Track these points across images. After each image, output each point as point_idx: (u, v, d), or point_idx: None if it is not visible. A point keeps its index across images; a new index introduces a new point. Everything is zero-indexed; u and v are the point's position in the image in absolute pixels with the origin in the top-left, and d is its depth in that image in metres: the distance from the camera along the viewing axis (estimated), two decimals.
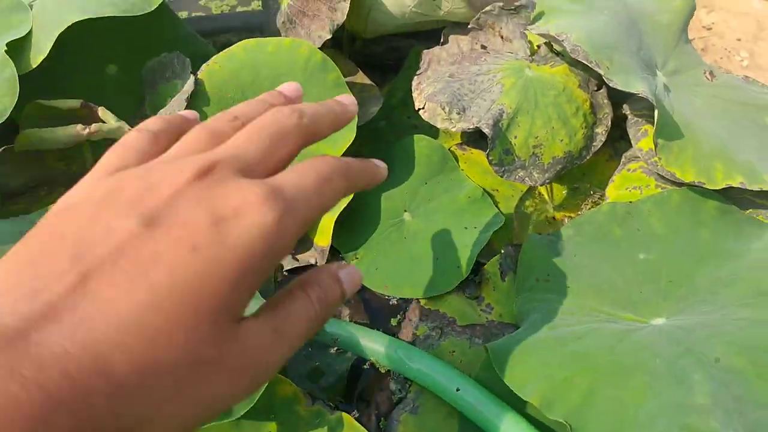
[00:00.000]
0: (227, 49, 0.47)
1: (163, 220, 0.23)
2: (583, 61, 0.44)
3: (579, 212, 0.51)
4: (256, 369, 0.24)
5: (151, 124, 0.29)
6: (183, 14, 0.74)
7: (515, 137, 0.47)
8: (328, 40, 0.51)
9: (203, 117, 0.46)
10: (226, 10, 0.73)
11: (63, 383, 0.19)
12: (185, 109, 0.45)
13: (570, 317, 0.41)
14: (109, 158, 0.27)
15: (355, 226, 0.49)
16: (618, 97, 0.54)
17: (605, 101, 0.50)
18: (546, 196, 0.52)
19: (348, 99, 0.33)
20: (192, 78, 0.45)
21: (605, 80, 0.44)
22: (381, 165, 0.32)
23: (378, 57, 0.61)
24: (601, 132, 0.49)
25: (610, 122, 0.50)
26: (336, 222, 0.46)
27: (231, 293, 0.23)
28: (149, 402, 0.21)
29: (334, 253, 0.48)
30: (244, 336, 0.24)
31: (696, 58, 0.55)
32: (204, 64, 0.47)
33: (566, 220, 0.51)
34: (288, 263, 0.46)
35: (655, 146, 0.45)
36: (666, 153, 0.45)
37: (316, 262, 0.47)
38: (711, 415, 0.31)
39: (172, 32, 0.53)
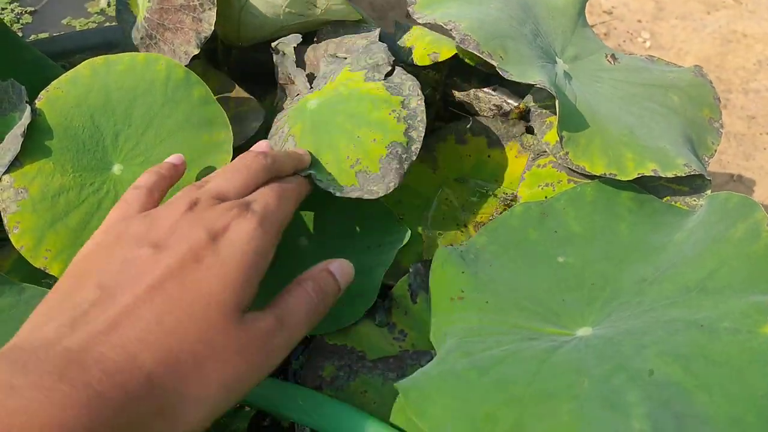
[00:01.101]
0: (71, 70, 0.41)
1: (168, 244, 0.30)
2: (474, 52, 0.40)
3: (491, 217, 0.47)
4: (265, 353, 0.30)
5: (143, 180, 0.36)
6: (44, 35, 0.66)
7: (327, 164, 0.41)
8: (197, 53, 0.45)
9: (48, 151, 0.39)
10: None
11: (104, 379, 0.24)
12: (21, 143, 0.38)
13: (488, 338, 0.36)
14: (113, 214, 0.34)
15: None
16: (520, 88, 0.51)
17: (402, 78, 0.43)
18: (455, 203, 0.48)
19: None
20: (28, 108, 0.39)
21: (499, 71, 0.40)
22: (301, 151, 0.40)
23: (261, 66, 0.55)
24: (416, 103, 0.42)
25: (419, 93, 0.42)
26: None
27: (233, 289, 0.29)
28: (177, 387, 0.26)
29: None
30: (251, 324, 0.29)
31: (597, 43, 0.52)
32: (43, 91, 0.40)
33: (479, 226, 0.47)
34: None
35: (561, 140, 0.42)
36: (573, 146, 0.42)
37: None
38: None
39: (12, 57, 0.46)
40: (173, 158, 0.39)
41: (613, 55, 0.51)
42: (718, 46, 1.27)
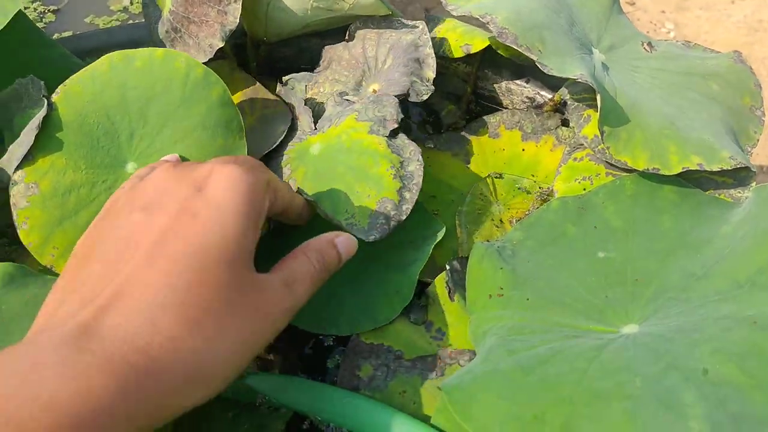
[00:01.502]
0: (90, 65, 0.40)
1: (157, 205, 0.29)
2: (512, 46, 0.39)
3: (527, 212, 0.46)
4: (275, 314, 0.30)
5: (139, 171, 0.36)
6: (67, 33, 0.66)
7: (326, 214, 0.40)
8: (224, 48, 0.45)
9: (61, 146, 0.39)
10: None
11: (124, 346, 0.24)
12: (36, 137, 0.38)
13: (531, 337, 0.35)
14: (108, 201, 0.34)
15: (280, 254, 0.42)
16: (553, 80, 0.50)
17: (405, 142, 0.42)
18: (490, 197, 0.47)
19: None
20: (45, 102, 0.38)
21: (539, 66, 0.39)
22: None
23: (289, 61, 0.54)
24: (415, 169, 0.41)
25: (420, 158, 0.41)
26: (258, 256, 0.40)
27: (234, 238, 0.28)
28: (199, 346, 0.26)
29: None
30: (261, 285, 0.30)
31: (632, 30, 0.51)
32: (60, 86, 0.39)
33: (514, 221, 0.46)
34: None
35: (601, 135, 0.40)
36: (614, 140, 0.41)
37: None
38: None
39: (39, 55, 0.45)
40: (169, 157, 0.39)
41: (649, 43, 0.49)
42: (744, 35, 1.25)
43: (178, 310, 0.26)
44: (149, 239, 0.28)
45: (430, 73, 0.46)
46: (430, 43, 0.46)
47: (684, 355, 0.31)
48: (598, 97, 0.39)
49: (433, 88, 0.44)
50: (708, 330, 0.32)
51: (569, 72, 0.39)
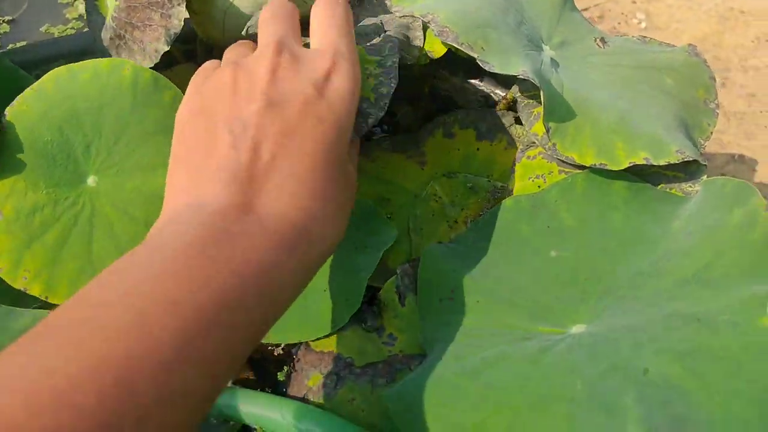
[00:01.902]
0: (36, 83, 0.39)
1: (282, 101, 0.31)
2: (453, 44, 0.39)
3: (482, 212, 0.46)
4: (354, 191, 0.35)
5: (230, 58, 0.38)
6: (22, 44, 0.65)
7: None
8: (172, 53, 0.44)
9: (18, 168, 0.38)
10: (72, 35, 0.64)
11: (279, 222, 0.29)
12: None
13: (479, 341, 0.35)
14: (198, 74, 0.37)
15: None
16: (507, 79, 0.49)
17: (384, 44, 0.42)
18: (445, 198, 0.47)
19: None
20: None
21: (479, 63, 0.38)
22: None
23: None
24: None
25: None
26: None
27: (345, 139, 0.33)
28: (327, 222, 0.31)
29: None
30: (351, 173, 0.35)
31: (586, 27, 0.51)
32: (8, 107, 0.39)
33: (469, 222, 0.46)
34: None
35: (547, 131, 0.40)
36: (560, 136, 0.40)
37: None
38: None
39: None
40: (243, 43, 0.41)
41: (602, 39, 0.49)
42: (715, 24, 1.25)
43: (314, 205, 0.30)
44: (280, 132, 0.31)
45: (417, 51, 0.45)
46: (421, 27, 0.45)
47: (627, 356, 0.30)
48: (542, 93, 0.39)
49: (415, 61, 0.44)
50: (653, 329, 0.32)
51: (512, 69, 0.38)
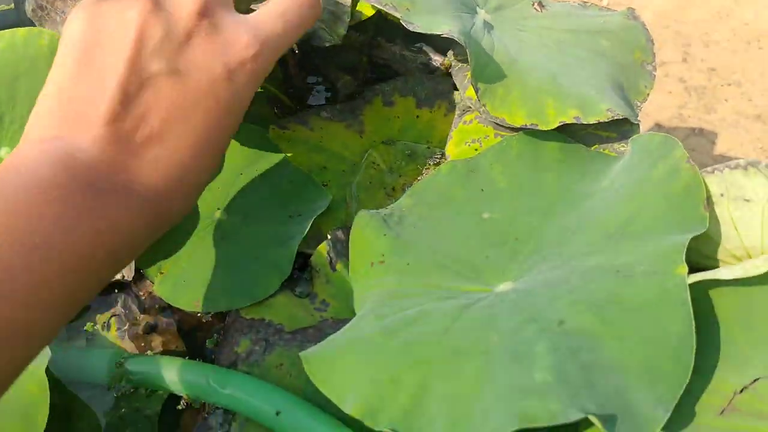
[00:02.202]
0: None
1: (188, 69, 0.30)
2: (376, 5, 0.38)
3: (420, 179, 0.46)
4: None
5: None
6: None
7: None
8: None
9: None
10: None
11: (147, 193, 0.29)
12: None
13: (404, 301, 0.35)
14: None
15: (169, 242, 0.41)
16: (445, 45, 0.49)
17: None
18: (383, 166, 0.46)
19: None
20: None
21: (403, 24, 0.38)
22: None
23: None
24: None
25: None
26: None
27: (236, 129, 0.33)
28: (188, 201, 0.32)
29: (136, 270, 0.40)
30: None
31: None
32: None
33: (407, 189, 0.45)
34: None
35: (476, 92, 0.40)
36: (490, 97, 0.40)
37: (123, 277, 0.39)
38: (551, 395, 0.25)
39: None
40: None
41: (540, 2, 0.49)
42: None
43: (188, 180, 0.31)
44: (174, 102, 0.30)
45: (342, 30, 0.45)
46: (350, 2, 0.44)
47: (544, 308, 0.30)
48: (468, 53, 0.38)
49: (338, 41, 0.43)
50: (572, 282, 0.32)
51: (436, 29, 0.38)
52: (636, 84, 0.45)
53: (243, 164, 0.44)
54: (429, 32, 0.38)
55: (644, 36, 0.48)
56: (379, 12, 0.48)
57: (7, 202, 0.24)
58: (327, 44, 0.43)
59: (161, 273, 0.39)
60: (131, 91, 0.29)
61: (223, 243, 0.40)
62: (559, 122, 0.39)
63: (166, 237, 0.40)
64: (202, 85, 0.30)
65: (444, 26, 0.38)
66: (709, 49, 1.19)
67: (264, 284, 0.38)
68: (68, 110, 0.29)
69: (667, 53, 1.08)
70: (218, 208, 0.42)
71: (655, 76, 0.47)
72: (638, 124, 0.42)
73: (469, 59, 0.38)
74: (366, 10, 0.48)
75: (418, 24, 0.38)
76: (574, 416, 0.24)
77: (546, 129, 0.39)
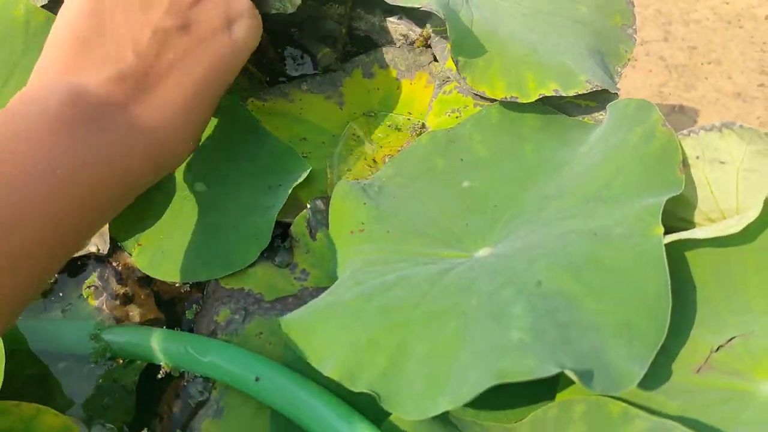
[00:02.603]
0: None
1: (194, 24, 0.33)
2: None
3: (400, 149, 0.45)
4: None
5: None
6: None
7: None
8: None
9: None
10: None
11: (149, 135, 0.32)
12: None
13: (383, 267, 0.35)
14: None
15: (137, 208, 0.40)
16: (425, 16, 0.48)
17: None
18: (363, 137, 0.46)
19: None
20: None
21: None
22: None
23: None
24: None
25: None
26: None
27: (231, 81, 0.36)
28: (187, 143, 0.35)
29: (112, 243, 0.39)
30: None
31: None
32: None
33: (387, 159, 0.45)
34: None
35: (456, 65, 0.39)
36: (470, 71, 0.40)
37: (98, 250, 0.39)
38: (528, 352, 0.26)
39: None
40: None
41: None
42: None
43: (188, 126, 0.33)
44: (181, 52, 0.32)
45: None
46: None
47: (522, 271, 0.30)
48: (448, 26, 0.38)
49: (293, 9, 0.43)
50: (549, 245, 0.32)
51: (415, 1, 0.38)
52: (616, 49, 0.45)
53: (221, 136, 0.44)
54: (408, 5, 0.38)
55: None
56: None
57: (17, 130, 0.26)
58: (274, 11, 0.42)
59: (139, 245, 0.39)
60: (144, 40, 0.31)
61: (202, 213, 0.40)
62: (539, 95, 0.39)
63: (144, 207, 0.40)
64: (206, 35, 0.33)
65: None
66: (689, 28, 1.20)
67: (243, 253, 0.38)
68: (79, 51, 0.31)
69: (648, 32, 1.08)
70: (197, 181, 0.41)
71: (635, 39, 0.47)
72: (617, 93, 0.42)
73: (448, 32, 0.38)
74: None
75: None
76: (551, 371, 0.24)
77: (526, 102, 0.39)
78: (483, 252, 0.34)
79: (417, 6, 0.38)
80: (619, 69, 0.45)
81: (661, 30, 1.12)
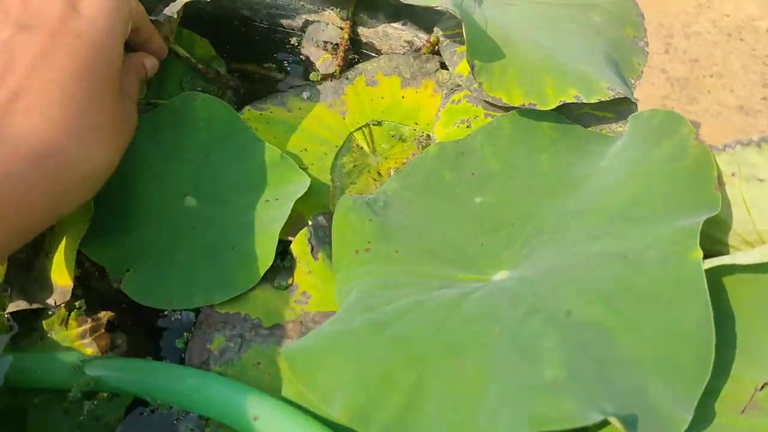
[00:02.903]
0: None
1: (35, 23, 0.30)
2: None
3: (406, 161, 0.43)
4: (132, 125, 0.34)
5: None
6: None
7: None
8: None
9: None
10: None
11: (27, 137, 0.28)
12: None
13: (394, 291, 0.32)
14: None
15: (121, 233, 0.37)
16: (431, 21, 0.46)
17: None
18: (366, 148, 0.43)
19: None
20: None
21: None
22: None
23: None
24: None
25: None
26: (92, 236, 0.35)
27: (116, 60, 0.32)
28: (90, 143, 0.30)
29: (103, 274, 0.36)
30: (125, 102, 0.34)
31: None
32: None
33: (392, 172, 0.42)
34: (14, 305, 0.34)
35: (472, 69, 0.37)
36: (486, 76, 0.37)
37: (56, 303, 0.34)
38: (565, 394, 0.23)
39: None
40: None
41: None
42: None
43: (71, 123, 0.29)
44: (33, 54, 0.29)
45: None
46: None
47: (548, 298, 0.28)
48: (464, 27, 0.36)
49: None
50: (576, 269, 0.29)
51: (430, 1, 0.35)
52: (630, 60, 0.43)
53: (209, 143, 0.41)
54: (423, 4, 0.35)
55: (635, 11, 0.46)
56: None
57: None
58: None
59: (127, 270, 0.36)
60: None
61: (195, 233, 0.37)
62: (560, 101, 0.37)
63: (129, 228, 0.37)
64: (52, 27, 0.30)
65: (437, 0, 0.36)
66: (690, 40, 1.18)
67: (245, 275, 0.35)
68: None
69: (650, 45, 1.06)
70: (186, 194, 0.39)
71: (647, 52, 0.45)
72: (636, 103, 0.39)
73: (464, 35, 0.36)
74: None
75: None
76: (593, 418, 0.22)
77: (545, 109, 0.37)
78: (502, 275, 0.32)
79: (432, 5, 0.35)
80: (633, 81, 0.42)
81: (662, 42, 1.08)
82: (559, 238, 0.32)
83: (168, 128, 0.40)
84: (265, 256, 0.36)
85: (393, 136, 0.44)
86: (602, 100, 0.37)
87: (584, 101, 0.37)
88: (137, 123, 0.35)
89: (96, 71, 0.31)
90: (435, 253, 0.34)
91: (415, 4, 0.35)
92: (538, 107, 0.37)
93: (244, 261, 0.36)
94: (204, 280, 0.35)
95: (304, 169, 0.41)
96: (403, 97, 0.45)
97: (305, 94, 0.45)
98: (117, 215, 0.37)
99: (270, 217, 0.37)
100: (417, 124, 0.44)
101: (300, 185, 0.38)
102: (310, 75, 0.47)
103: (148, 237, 0.36)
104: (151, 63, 0.39)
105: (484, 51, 0.38)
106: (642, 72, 0.43)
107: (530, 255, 0.32)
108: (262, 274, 0.35)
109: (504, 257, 0.33)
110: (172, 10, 0.42)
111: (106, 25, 0.31)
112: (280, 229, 0.36)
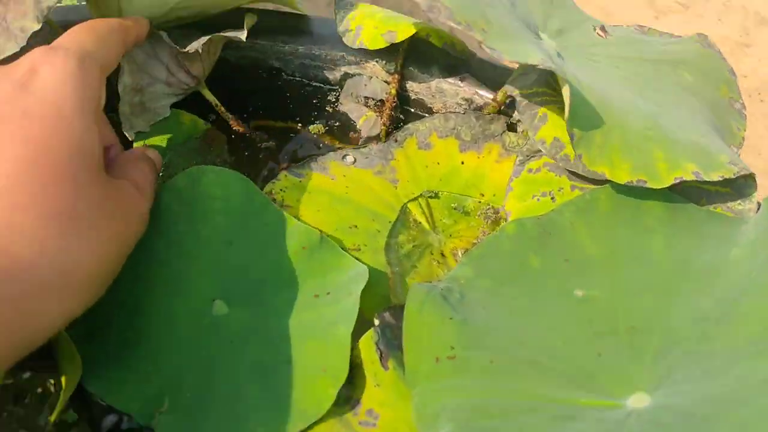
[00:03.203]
0: None
1: None
2: (449, 23, 0.29)
3: (475, 241, 0.36)
4: (134, 216, 0.29)
5: None
6: None
7: None
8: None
9: None
10: None
11: None
12: None
13: (504, 422, 0.25)
14: None
15: (140, 360, 0.29)
16: (493, 77, 0.40)
17: None
18: (425, 224, 0.37)
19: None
20: None
21: (485, 49, 0.29)
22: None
23: None
24: None
25: None
26: (101, 368, 0.27)
27: (82, 137, 0.27)
28: (68, 246, 0.25)
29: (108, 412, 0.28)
30: (117, 186, 0.29)
31: (579, 13, 0.42)
32: None
33: (460, 254, 0.36)
34: None
35: (572, 139, 0.31)
36: (586, 146, 0.31)
37: None
38: None
39: None
40: None
41: (602, 27, 0.41)
42: (645, 8, 1.24)
43: (39, 210, 0.25)
44: None
45: None
46: None
47: None
48: (565, 90, 0.30)
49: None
50: (749, 400, 0.23)
51: (526, 57, 0.29)
52: (729, 125, 0.38)
53: (230, 229, 0.33)
54: (519, 61, 0.29)
55: (726, 67, 0.41)
56: (412, 35, 0.39)
57: None
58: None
59: (159, 411, 0.28)
60: None
61: (234, 348, 0.30)
62: (675, 179, 0.31)
63: (151, 352, 0.29)
64: (3, 112, 0.26)
65: (535, 55, 0.29)
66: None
67: (314, 398, 0.27)
68: None
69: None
70: (213, 299, 0.31)
71: (745, 116, 0.39)
72: (754, 178, 0.34)
73: (565, 97, 0.30)
74: (402, 29, 0.39)
75: (501, 50, 0.29)
76: None
77: (658, 187, 0.31)
78: (638, 400, 0.25)
79: (532, 63, 0.29)
80: (735, 149, 0.37)
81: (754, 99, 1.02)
82: (707, 351, 0.26)
83: (176, 216, 0.33)
84: (338, 368, 0.28)
85: (455, 209, 0.37)
86: (725, 177, 0.31)
87: (704, 178, 0.31)
88: (147, 217, 0.31)
89: (54, 151, 0.26)
90: (539, 364, 0.27)
91: (510, 59, 0.29)
92: (649, 185, 0.31)
93: (310, 379, 0.28)
94: (257, 413, 0.28)
95: (356, 250, 0.34)
96: (462, 162, 0.39)
97: (348, 159, 0.39)
98: (131, 338, 0.30)
99: (329, 316, 0.30)
100: (482, 195, 0.38)
101: (354, 272, 0.31)
102: (351, 135, 0.41)
103: (176, 361, 0.29)
104: (154, 153, 0.35)
105: (583, 117, 0.32)
106: (743, 138, 0.37)
107: (672, 373, 0.26)
108: (335, 395, 0.28)
109: (634, 374, 0.26)
110: (194, 46, 0.36)
111: (60, 96, 0.27)
112: (350, 332, 0.29)
